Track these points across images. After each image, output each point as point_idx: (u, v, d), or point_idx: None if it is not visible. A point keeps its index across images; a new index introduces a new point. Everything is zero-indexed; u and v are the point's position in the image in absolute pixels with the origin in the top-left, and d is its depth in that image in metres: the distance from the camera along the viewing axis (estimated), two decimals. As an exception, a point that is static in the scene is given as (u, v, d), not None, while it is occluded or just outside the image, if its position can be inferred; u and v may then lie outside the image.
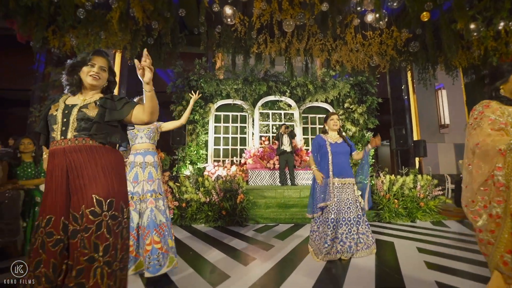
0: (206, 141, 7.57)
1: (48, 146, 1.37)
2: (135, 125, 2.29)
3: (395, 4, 3.82)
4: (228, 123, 7.85)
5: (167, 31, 4.48)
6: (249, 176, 6.66)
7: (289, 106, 7.86)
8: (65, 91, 1.46)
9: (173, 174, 6.56)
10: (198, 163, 7.28)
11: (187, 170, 7.06)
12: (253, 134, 7.74)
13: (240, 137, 7.82)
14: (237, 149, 7.74)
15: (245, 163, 7.23)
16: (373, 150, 7.64)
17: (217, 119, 7.81)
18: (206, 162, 7.43)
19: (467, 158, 1.56)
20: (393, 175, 4.94)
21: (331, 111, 7.88)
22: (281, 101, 7.81)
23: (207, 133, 7.58)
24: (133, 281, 2.04)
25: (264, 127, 7.85)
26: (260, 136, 7.76)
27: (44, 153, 1.46)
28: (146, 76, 1.29)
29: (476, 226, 1.48)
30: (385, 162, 11.23)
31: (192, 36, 5.03)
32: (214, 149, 7.66)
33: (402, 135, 6.94)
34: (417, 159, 8.81)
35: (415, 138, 9.04)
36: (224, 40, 4.82)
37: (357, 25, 4.66)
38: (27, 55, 7.72)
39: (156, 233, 2.15)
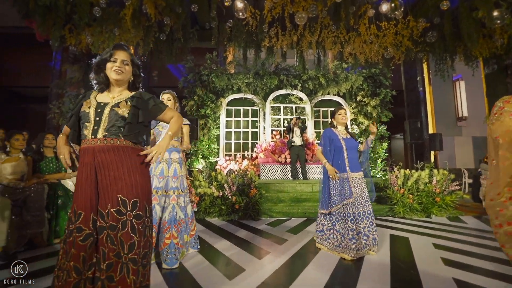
0: (218, 136, 7.63)
1: (76, 142, 1.43)
2: (158, 122, 2.37)
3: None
4: (240, 117, 7.87)
5: (179, 26, 4.50)
6: (261, 170, 6.69)
7: (301, 99, 7.79)
8: (94, 89, 1.51)
9: (186, 168, 6.68)
10: (210, 157, 7.37)
11: (200, 164, 7.16)
12: (264, 128, 7.73)
13: (252, 131, 7.83)
14: (248, 143, 7.77)
15: (256, 157, 7.26)
16: (386, 144, 7.49)
17: (228, 114, 7.84)
18: (218, 156, 7.51)
19: (490, 155, 1.52)
20: (407, 169, 4.84)
21: (343, 104, 7.75)
22: (293, 94, 7.74)
23: (218, 127, 7.63)
24: (151, 272, 2.12)
25: (275, 121, 7.82)
26: (272, 130, 7.75)
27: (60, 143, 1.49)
28: (160, 155, 1.41)
29: (502, 220, 1.43)
30: (398, 156, 11.01)
31: (203, 31, 5.03)
32: (226, 143, 7.72)
33: (417, 128, 6.77)
34: (432, 153, 8.61)
35: (430, 131, 8.81)
36: (236, 34, 4.79)
37: (371, 16, 4.52)
38: (45, 53, 7.97)
39: (175, 229, 2.26)
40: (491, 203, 1.47)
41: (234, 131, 7.81)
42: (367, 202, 2.61)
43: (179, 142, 2.49)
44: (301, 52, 5.20)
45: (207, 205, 4.42)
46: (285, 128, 7.43)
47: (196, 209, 4.38)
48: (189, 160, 7.14)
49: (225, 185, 4.45)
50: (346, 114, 2.82)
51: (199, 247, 2.62)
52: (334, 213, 2.68)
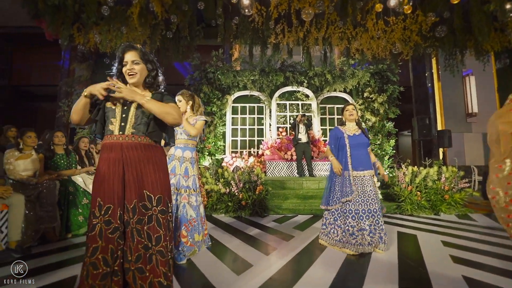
0: (224, 133, 7.66)
1: (98, 135, 1.45)
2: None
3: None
4: (246, 114, 7.88)
5: (185, 24, 4.51)
6: (267, 167, 6.70)
7: (307, 96, 7.75)
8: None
9: (199, 168, 6.73)
10: (216, 154, 7.41)
11: (206, 161, 7.21)
12: (270, 125, 7.73)
13: (258, 128, 7.84)
14: (254, 140, 7.78)
15: (262, 154, 7.27)
16: (393, 140, 7.41)
17: (234, 111, 7.85)
18: (224, 154, 7.55)
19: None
20: (415, 166, 4.79)
21: (350, 101, 7.68)
22: (299, 91, 7.70)
23: (224, 124, 7.65)
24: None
25: (281, 118, 7.81)
26: (278, 127, 7.74)
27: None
28: (125, 94, 1.32)
29: None
30: (406, 153, 10.88)
31: (209, 28, 5.03)
32: (232, 140, 7.75)
33: (425, 125, 6.68)
34: (441, 150, 8.48)
35: (439, 127, 8.66)
36: (242, 31, 4.78)
37: (379, 11, 4.45)
38: (54, 52, 8.09)
39: (184, 228, 2.29)
40: (497, 178, 1.46)
41: (240, 128, 7.83)
42: (373, 200, 2.57)
43: (194, 141, 2.48)
44: (307, 48, 5.16)
45: (214, 201, 4.46)
46: (290, 125, 7.42)
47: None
48: (195, 157, 7.19)
49: (231, 182, 4.48)
50: (354, 110, 2.78)
51: (210, 243, 2.61)
52: (336, 209, 2.68)
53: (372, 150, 6.99)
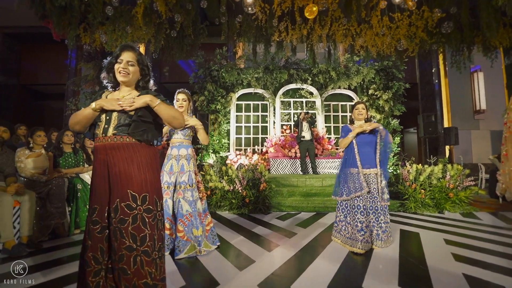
0: (228, 130, 7.70)
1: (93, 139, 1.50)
2: None
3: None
4: (250, 112, 7.90)
5: (189, 23, 4.55)
6: (271, 165, 6.73)
7: (311, 94, 7.72)
8: (107, 88, 1.56)
9: (197, 163, 6.80)
10: (221, 152, 7.47)
11: (210, 159, 7.28)
12: (274, 122, 7.74)
13: (262, 126, 7.86)
14: (258, 138, 7.81)
15: (266, 152, 7.30)
16: (398, 137, 7.35)
17: (238, 108, 7.88)
18: (228, 151, 7.60)
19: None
20: (419, 164, 4.76)
21: (354, 98, 7.63)
22: (303, 89, 7.68)
23: (228, 122, 7.69)
24: (166, 262, 2.22)
25: (285, 115, 7.81)
26: (282, 125, 7.75)
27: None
28: (137, 104, 1.37)
29: None
30: (412, 151, 10.77)
31: (213, 26, 5.05)
32: (236, 138, 7.79)
33: (431, 122, 6.60)
34: (447, 147, 8.38)
35: (445, 125, 8.56)
36: (245, 30, 4.79)
37: (384, 7, 4.41)
38: (61, 52, 8.22)
39: (180, 223, 2.34)
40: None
41: (244, 126, 7.86)
42: (376, 198, 2.61)
43: (189, 140, 2.54)
44: (311, 45, 5.14)
45: (218, 198, 4.52)
46: (294, 123, 7.42)
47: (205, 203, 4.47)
48: (200, 154, 7.26)
49: (235, 179, 4.52)
50: (364, 109, 2.81)
51: (218, 243, 2.63)
52: (345, 204, 2.70)
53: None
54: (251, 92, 7.77)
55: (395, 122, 7.31)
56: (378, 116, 7.30)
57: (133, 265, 1.29)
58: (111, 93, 1.52)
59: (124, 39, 4.58)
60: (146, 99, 1.38)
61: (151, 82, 1.58)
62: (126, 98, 1.38)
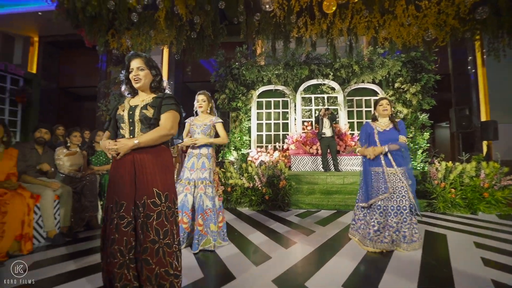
0: (249, 128, 7.78)
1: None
2: (193, 122, 2.60)
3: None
4: (270, 109, 7.91)
5: (208, 23, 4.64)
6: (292, 162, 6.71)
7: (333, 89, 7.54)
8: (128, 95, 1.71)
9: (219, 160, 6.98)
10: (242, 149, 7.57)
11: (232, 156, 7.42)
12: (295, 119, 7.68)
13: (283, 123, 7.84)
14: (279, 134, 7.81)
15: (287, 149, 7.28)
16: (428, 133, 6.94)
17: (259, 106, 7.92)
18: (250, 148, 7.69)
19: None
20: (449, 161, 4.47)
21: (379, 92, 7.32)
22: (324, 84, 7.52)
23: (249, 119, 7.77)
24: (186, 256, 2.35)
25: (306, 112, 7.71)
26: (303, 121, 7.67)
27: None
28: (122, 153, 1.48)
29: None
30: (443, 147, 10.10)
31: (232, 25, 5.10)
32: (257, 135, 7.85)
33: (464, 116, 6.14)
34: (485, 143, 7.77)
35: (483, 118, 7.93)
36: (263, 27, 4.78)
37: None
38: (94, 56, 8.82)
39: (201, 217, 2.47)
40: None
41: (265, 123, 7.89)
42: (403, 197, 2.48)
43: (212, 139, 2.66)
44: (331, 40, 5.00)
45: (238, 195, 4.62)
46: (315, 119, 7.31)
47: (222, 201, 4.59)
48: (222, 152, 7.43)
49: (255, 176, 4.59)
50: (388, 105, 2.66)
51: (227, 241, 2.71)
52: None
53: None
54: (272, 89, 7.76)
55: (424, 117, 6.91)
56: (405, 111, 6.94)
57: (155, 256, 1.42)
58: (131, 99, 1.65)
59: (148, 42, 4.81)
60: (129, 145, 1.46)
61: (164, 82, 1.68)
62: (112, 148, 1.48)
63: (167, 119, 1.53)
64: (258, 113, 7.90)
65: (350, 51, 5.27)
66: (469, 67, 8.23)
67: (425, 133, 6.89)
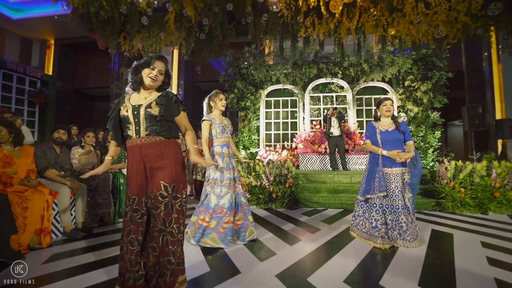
0: (258, 127, 7.85)
1: (120, 142, 1.74)
2: (222, 122, 2.69)
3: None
4: (279, 108, 7.95)
5: (217, 24, 4.74)
6: (300, 161, 6.74)
7: (341, 88, 7.50)
8: (127, 88, 1.80)
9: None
10: (251, 148, 7.66)
11: (241, 155, 7.52)
12: (303, 118, 7.70)
13: (291, 122, 7.87)
14: (288, 133, 7.84)
15: (296, 148, 7.31)
16: (439, 131, 6.81)
17: (268, 105, 7.97)
18: (258, 147, 7.76)
19: None
20: (460, 161, 4.40)
21: (389, 90, 7.23)
22: (333, 83, 7.50)
23: (258, 118, 7.83)
24: (192, 251, 2.44)
25: (315, 111, 7.72)
26: (311, 120, 7.67)
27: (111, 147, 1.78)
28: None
29: None
30: (456, 145, 9.86)
31: (240, 26, 5.18)
32: (266, 134, 7.91)
33: (477, 114, 6.00)
34: (499, 142, 7.55)
35: (498, 116, 7.71)
36: (271, 27, 4.83)
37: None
38: (107, 58, 9.10)
39: (241, 212, 2.70)
40: None
41: (274, 122, 7.94)
42: (397, 196, 2.56)
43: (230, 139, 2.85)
44: (339, 39, 4.99)
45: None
46: (322, 118, 7.30)
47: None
48: (230, 150, 7.52)
49: (262, 175, 4.65)
50: (392, 105, 2.70)
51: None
52: (365, 202, 2.73)
53: (415, 142, 6.54)
54: (280, 88, 7.80)
55: (435, 115, 6.79)
56: (415, 109, 6.84)
57: (160, 243, 1.55)
58: (131, 97, 1.70)
59: (158, 44, 4.95)
60: (193, 160, 1.70)
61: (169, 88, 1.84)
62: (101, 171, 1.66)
63: (185, 119, 1.72)
64: (266, 112, 7.96)
65: (358, 50, 5.25)
66: (484, 64, 8.01)
67: (436, 132, 6.77)
